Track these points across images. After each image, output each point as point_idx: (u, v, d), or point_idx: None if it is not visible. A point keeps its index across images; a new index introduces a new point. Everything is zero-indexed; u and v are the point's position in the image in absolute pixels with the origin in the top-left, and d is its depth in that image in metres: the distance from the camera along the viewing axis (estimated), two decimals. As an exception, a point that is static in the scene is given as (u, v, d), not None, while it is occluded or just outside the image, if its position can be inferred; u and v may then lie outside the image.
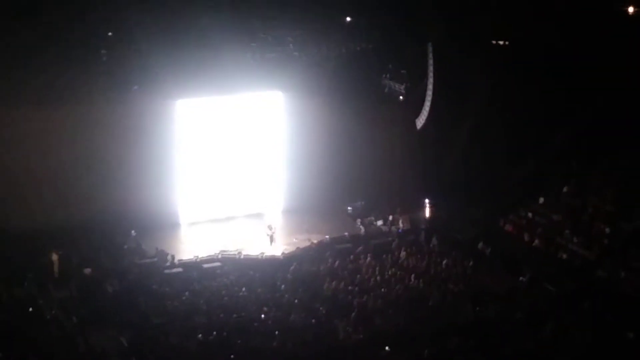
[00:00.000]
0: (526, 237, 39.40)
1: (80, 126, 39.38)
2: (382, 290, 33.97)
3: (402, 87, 45.76)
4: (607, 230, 37.37)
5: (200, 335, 29.74)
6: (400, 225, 41.96)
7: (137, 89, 40.63)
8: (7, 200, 38.09)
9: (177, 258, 37.67)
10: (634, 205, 38.42)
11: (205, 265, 37.16)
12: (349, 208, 43.94)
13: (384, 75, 46.37)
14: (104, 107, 39.60)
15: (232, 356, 28.48)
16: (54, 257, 35.27)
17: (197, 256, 37.95)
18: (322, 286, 34.55)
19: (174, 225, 42.28)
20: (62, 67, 38.10)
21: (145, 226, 39.57)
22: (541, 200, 41.67)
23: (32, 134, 38.73)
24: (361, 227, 42.20)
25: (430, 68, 43.99)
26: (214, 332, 29.89)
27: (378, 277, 35.11)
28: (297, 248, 39.41)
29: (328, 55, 44.90)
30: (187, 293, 33.73)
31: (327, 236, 40.31)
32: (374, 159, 44.40)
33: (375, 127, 44.63)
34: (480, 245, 38.78)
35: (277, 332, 30.03)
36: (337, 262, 36.68)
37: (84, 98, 38.95)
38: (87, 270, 35.25)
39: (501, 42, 45.53)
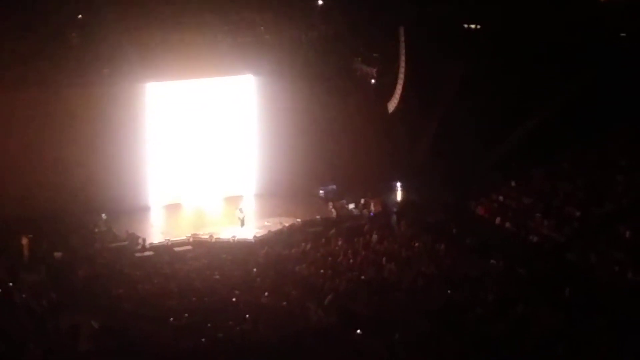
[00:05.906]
0: (497, 221, 39.56)
1: (49, 110, 39.12)
2: (354, 273, 33.96)
3: (374, 70, 45.75)
4: (578, 214, 37.57)
5: (171, 319, 29.64)
6: (372, 208, 41.98)
7: (107, 72, 40.41)
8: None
9: (148, 241, 37.55)
10: (604, 190, 38.66)
11: (177, 249, 37.15)
12: (320, 191, 43.96)
13: (355, 59, 46.30)
14: (74, 90, 39.38)
15: (203, 340, 28.41)
16: (24, 241, 34.98)
17: (169, 239, 37.92)
18: (293, 269, 34.56)
19: (145, 209, 42.15)
20: (31, 50, 37.86)
21: (116, 209, 39.47)
22: (512, 183, 41.81)
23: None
24: (333, 210, 42.25)
25: (402, 52, 43.98)
26: (186, 316, 29.80)
27: (350, 261, 35.11)
28: (269, 231, 39.45)
29: (300, 38, 44.78)
30: (158, 277, 33.63)
31: (298, 219, 40.37)
32: (345, 142, 44.41)
33: (347, 110, 44.56)
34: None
35: (247, 316, 29.97)
36: (308, 246, 36.69)
37: (53, 81, 38.80)
38: (58, 254, 35.04)
39: (473, 26, 45.60)
